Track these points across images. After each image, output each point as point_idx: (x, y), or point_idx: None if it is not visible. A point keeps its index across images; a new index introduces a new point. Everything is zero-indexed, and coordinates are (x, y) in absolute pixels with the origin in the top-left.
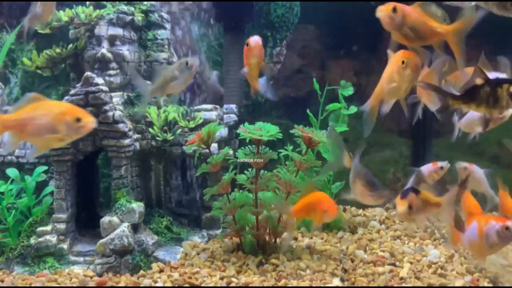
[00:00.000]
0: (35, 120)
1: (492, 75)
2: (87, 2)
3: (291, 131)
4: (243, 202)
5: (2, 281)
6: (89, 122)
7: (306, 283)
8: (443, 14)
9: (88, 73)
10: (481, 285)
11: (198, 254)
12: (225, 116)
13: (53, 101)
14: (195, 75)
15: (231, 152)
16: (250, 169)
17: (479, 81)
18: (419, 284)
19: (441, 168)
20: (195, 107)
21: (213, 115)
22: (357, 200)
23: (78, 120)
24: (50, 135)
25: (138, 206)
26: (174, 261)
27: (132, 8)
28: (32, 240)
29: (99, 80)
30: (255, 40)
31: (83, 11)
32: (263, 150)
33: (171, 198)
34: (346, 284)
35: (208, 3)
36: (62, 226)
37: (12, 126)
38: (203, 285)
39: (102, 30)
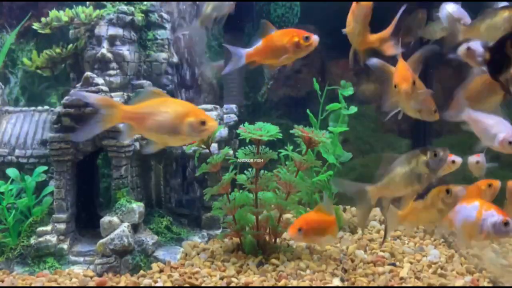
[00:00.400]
0: (157, 116)
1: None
2: (87, 2)
3: (291, 131)
4: (243, 202)
5: (2, 281)
6: (213, 126)
7: (306, 283)
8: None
9: (88, 73)
10: (481, 285)
11: (198, 254)
12: (225, 116)
13: (175, 99)
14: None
15: (231, 152)
16: (250, 169)
17: (486, 55)
18: (419, 284)
19: (453, 162)
20: None
21: (213, 115)
22: None
23: (203, 123)
24: (170, 134)
25: (138, 206)
26: (174, 261)
27: (132, 8)
28: (32, 240)
29: (99, 80)
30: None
31: (83, 11)
32: (263, 150)
33: (171, 198)
34: (346, 284)
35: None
36: (62, 226)
37: (131, 118)
38: (203, 285)
39: (102, 30)
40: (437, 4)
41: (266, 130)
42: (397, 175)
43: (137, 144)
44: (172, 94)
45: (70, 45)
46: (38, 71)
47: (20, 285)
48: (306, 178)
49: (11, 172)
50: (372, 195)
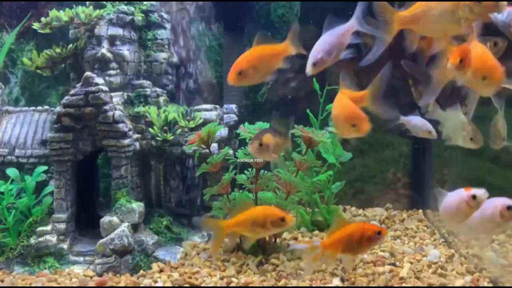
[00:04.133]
0: (432, 11)
1: None
2: (87, 2)
3: (291, 131)
4: None
5: (2, 281)
6: None
7: (306, 283)
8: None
9: (88, 73)
10: (481, 285)
11: (198, 254)
12: (225, 116)
13: None
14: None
15: (231, 152)
16: (250, 169)
17: None
18: (419, 284)
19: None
20: (195, 107)
21: (213, 115)
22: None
23: None
24: (450, 20)
25: (138, 206)
26: (174, 261)
27: (132, 8)
28: (32, 240)
29: (99, 80)
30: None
31: (83, 11)
32: None
33: (171, 198)
34: (346, 284)
35: (208, 3)
36: (62, 226)
37: (409, 22)
38: (203, 285)
39: (102, 30)
40: None
41: None
42: None
43: (137, 144)
44: (172, 94)
45: (70, 45)
46: (38, 71)
47: (20, 285)
48: (306, 178)
49: (11, 172)
50: None
